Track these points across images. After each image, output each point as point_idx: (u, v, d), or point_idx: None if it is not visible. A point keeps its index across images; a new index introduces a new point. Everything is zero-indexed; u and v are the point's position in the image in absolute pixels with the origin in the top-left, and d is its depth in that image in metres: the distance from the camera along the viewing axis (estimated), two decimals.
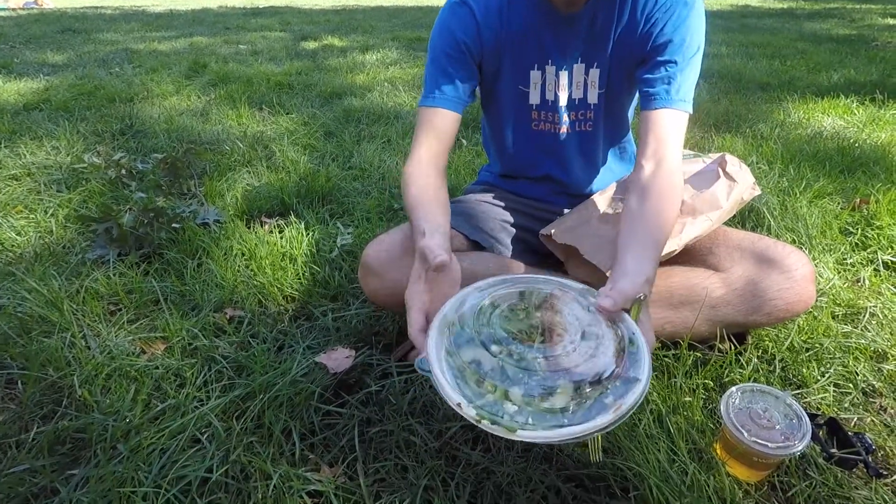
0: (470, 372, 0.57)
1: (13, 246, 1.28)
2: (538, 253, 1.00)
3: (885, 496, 0.66)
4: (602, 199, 0.95)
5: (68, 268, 1.19)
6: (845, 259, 1.18)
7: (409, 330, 0.66)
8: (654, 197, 0.77)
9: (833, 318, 0.99)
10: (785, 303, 0.80)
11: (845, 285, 1.09)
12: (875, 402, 0.82)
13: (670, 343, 0.88)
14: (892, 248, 1.19)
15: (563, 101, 0.93)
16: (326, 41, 4.31)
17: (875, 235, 1.23)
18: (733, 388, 0.72)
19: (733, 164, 0.92)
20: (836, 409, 0.81)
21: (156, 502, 0.67)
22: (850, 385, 0.84)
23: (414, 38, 4.39)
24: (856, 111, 2.25)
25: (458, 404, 0.53)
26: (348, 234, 1.30)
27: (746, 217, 1.34)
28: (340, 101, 2.53)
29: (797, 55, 3.58)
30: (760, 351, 0.90)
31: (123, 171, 1.61)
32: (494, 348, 0.59)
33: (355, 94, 2.63)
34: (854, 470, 0.70)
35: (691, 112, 0.84)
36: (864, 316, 0.99)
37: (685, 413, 0.78)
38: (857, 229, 1.27)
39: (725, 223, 0.94)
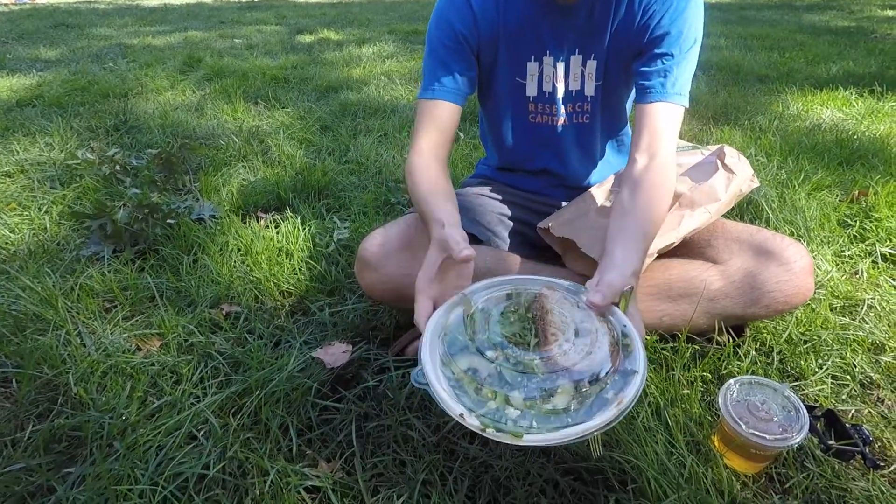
0: (467, 380, 0.56)
1: (7, 243, 1.27)
2: (535, 246, 0.99)
3: (882, 487, 0.66)
4: (600, 192, 0.94)
5: (63, 265, 1.18)
6: (843, 251, 1.18)
7: (416, 317, 0.65)
8: (646, 190, 0.78)
9: (831, 310, 0.99)
10: (783, 295, 0.80)
11: (843, 277, 1.08)
12: (872, 394, 0.82)
13: (668, 336, 0.88)
14: (891, 240, 1.19)
15: (560, 92, 0.92)
16: (322, 35, 4.28)
17: (873, 227, 1.23)
18: (731, 381, 0.72)
19: (732, 155, 0.92)
20: (833, 401, 0.81)
21: (153, 500, 0.67)
22: (848, 377, 0.84)
23: (411, 31, 4.36)
24: (854, 103, 2.24)
25: (461, 415, 0.53)
26: (345, 228, 1.29)
27: (745, 209, 1.34)
28: (337, 95, 2.51)
29: (796, 47, 3.57)
30: (758, 343, 0.90)
31: (118, 167, 1.59)
32: (490, 354, 0.58)
33: (352, 88, 2.61)
34: (851, 461, 0.70)
35: (687, 106, 0.84)
36: (861, 308, 0.99)
37: (683, 406, 0.78)
38: (856, 221, 1.26)
39: (724, 215, 0.93)
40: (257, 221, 1.36)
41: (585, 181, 1.03)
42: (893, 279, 1.08)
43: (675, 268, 0.86)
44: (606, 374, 0.56)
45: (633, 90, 0.97)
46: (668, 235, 0.85)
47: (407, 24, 4.75)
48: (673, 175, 0.81)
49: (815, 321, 0.94)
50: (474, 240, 0.97)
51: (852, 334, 0.91)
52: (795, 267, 0.80)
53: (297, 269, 1.15)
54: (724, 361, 0.85)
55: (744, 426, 0.66)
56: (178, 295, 1.09)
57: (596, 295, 0.63)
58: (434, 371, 0.57)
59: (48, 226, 1.35)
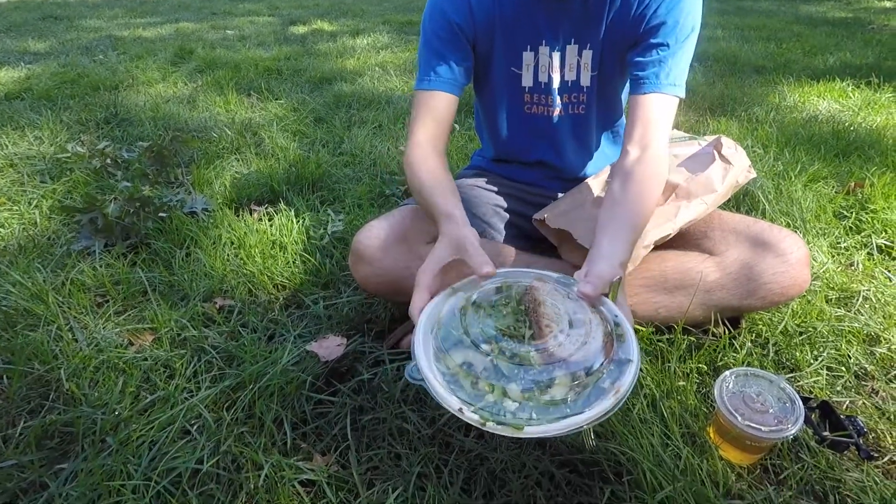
0: (463, 374, 0.56)
1: None
2: (531, 238, 0.99)
3: (876, 478, 0.67)
4: (596, 183, 0.94)
5: (53, 260, 1.17)
6: (839, 243, 1.18)
7: (412, 309, 0.64)
8: (636, 182, 0.77)
9: (826, 301, 0.99)
10: (780, 286, 0.80)
11: (839, 269, 1.08)
12: (867, 385, 0.83)
13: (664, 328, 0.88)
14: (886, 231, 1.19)
15: (556, 83, 0.91)
16: (316, 25, 4.23)
17: (869, 219, 1.23)
18: (727, 373, 0.72)
19: (729, 146, 0.91)
20: (828, 393, 0.81)
21: (146, 495, 0.66)
22: (843, 368, 0.84)
23: (405, 22, 4.31)
24: (851, 94, 2.24)
25: (460, 409, 0.52)
26: (339, 220, 1.28)
27: (741, 201, 1.34)
28: (330, 87, 2.49)
29: (793, 38, 3.56)
30: (754, 335, 0.90)
31: (108, 161, 1.57)
32: (485, 347, 0.58)
33: (346, 79, 2.59)
34: (845, 453, 0.70)
35: (682, 97, 0.83)
36: (857, 300, 0.99)
37: (679, 397, 0.78)
38: (852, 213, 1.26)
39: (720, 207, 0.93)
40: (250, 214, 1.34)
41: (581, 172, 1.03)
42: (888, 271, 1.08)
43: (671, 259, 0.86)
44: (602, 364, 0.56)
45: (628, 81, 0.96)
46: (665, 227, 0.84)
47: (401, 15, 4.70)
48: (665, 167, 0.81)
49: (811, 313, 0.94)
50: None
51: (847, 326, 0.91)
52: (792, 258, 0.80)
53: (291, 262, 1.14)
54: (719, 353, 0.85)
55: (739, 418, 0.66)
56: (171, 289, 1.08)
57: (587, 286, 0.63)
58: (428, 366, 0.57)
59: (38, 220, 1.34)
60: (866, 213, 1.25)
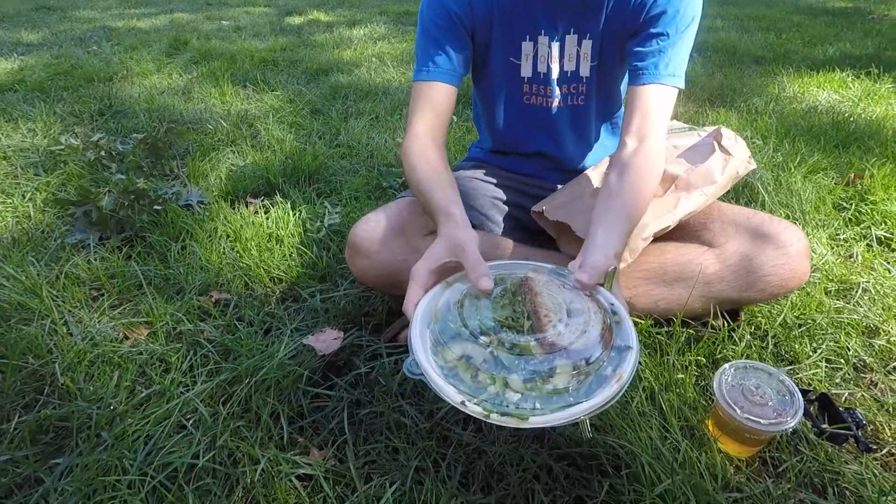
0: (462, 367, 0.55)
1: None
2: (529, 230, 0.98)
3: (875, 470, 0.67)
4: (595, 175, 0.93)
5: (47, 253, 1.16)
6: (838, 234, 1.17)
7: (406, 303, 0.63)
8: (632, 174, 0.77)
9: (826, 293, 0.98)
10: (779, 279, 0.79)
11: (838, 261, 1.08)
12: (866, 378, 0.82)
13: (663, 320, 0.88)
14: (886, 223, 1.19)
15: (555, 73, 0.90)
16: (312, 16, 4.18)
17: (868, 210, 1.22)
18: (726, 365, 0.71)
19: (729, 137, 0.90)
20: (827, 385, 0.81)
21: (142, 490, 0.66)
22: (842, 360, 0.84)
23: (402, 13, 4.27)
24: (851, 85, 2.22)
25: (462, 402, 0.52)
26: (336, 213, 1.27)
27: (741, 192, 1.33)
28: (327, 78, 2.46)
29: (792, 28, 3.53)
30: (753, 327, 0.90)
31: (102, 153, 1.55)
32: (483, 339, 0.57)
33: (342, 71, 2.56)
34: (844, 445, 0.70)
35: (682, 87, 0.82)
36: (856, 291, 0.99)
37: (677, 390, 0.77)
38: (851, 204, 1.26)
39: (720, 198, 0.92)
40: (246, 207, 1.33)
41: (580, 164, 1.02)
42: (888, 262, 1.07)
43: (670, 251, 0.85)
44: (602, 352, 0.56)
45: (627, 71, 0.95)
46: (664, 218, 0.83)
47: (398, 5, 4.65)
48: (661, 158, 0.81)
49: (810, 305, 0.94)
50: None
51: (846, 318, 0.91)
52: (792, 250, 0.79)
53: (288, 255, 1.13)
54: (718, 346, 0.85)
55: (738, 411, 0.65)
56: (167, 282, 1.07)
57: (582, 275, 0.64)
58: (427, 360, 0.56)
59: (32, 213, 1.32)
60: (866, 205, 1.24)
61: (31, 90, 2.30)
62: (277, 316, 0.97)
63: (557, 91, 0.92)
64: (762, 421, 0.64)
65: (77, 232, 1.21)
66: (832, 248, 1.13)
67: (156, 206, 1.26)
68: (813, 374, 0.82)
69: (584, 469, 0.69)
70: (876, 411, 0.76)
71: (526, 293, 0.63)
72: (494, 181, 1.01)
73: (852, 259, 1.10)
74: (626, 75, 0.96)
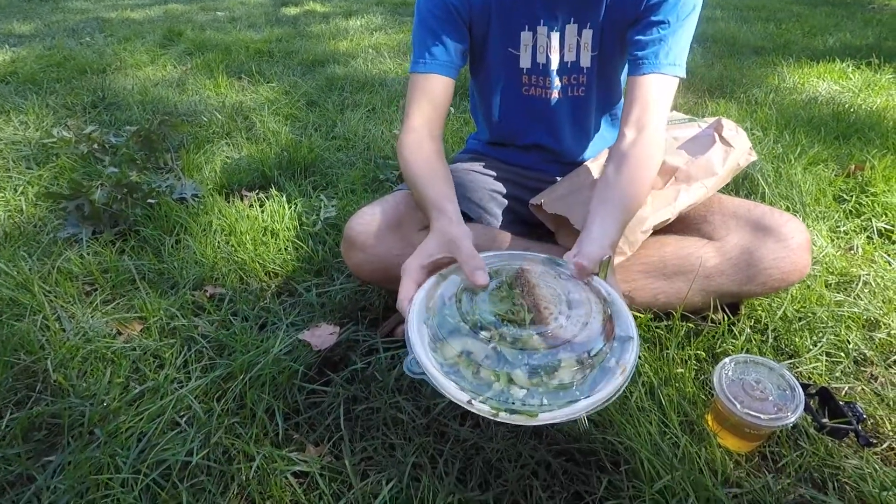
0: (464, 363, 0.54)
1: None
2: (528, 223, 0.97)
3: (876, 465, 0.66)
4: (594, 167, 0.91)
5: (40, 248, 1.14)
6: (839, 227, 1.16)
7: (400, 300, 0.62)
8: (630, 165, 0.76)
9: (826, 286, 0.97)
10: (780, 272, 0.78)
11: (838, 253, 1.07)
12: (866, 371, 0.82)
13: (663, 314, 0.87)
14: (887, 215, 1.18)
15: (554, 64, 0.88)
16: (308, 6, 4.13)
17: (869, 202, 1.21)
18: (726, 360, 0.70)
19: (729, 128, 0.89)
20: (827, 379, 0.80)
21: (135, 488, 0.65)
22: (842, 354, 0.83)
23: (399, 3, 4.22)
24: (851, 76, 2.20)
25: (469, 401, 0.50)
26: (332, 206, 1.26)
27: (740, 184, 1.32)
28: (323, 69, 2.43)
29: (792, 18, 3.50)
30: (753, 321, 0.89)
31: (95, 146, 1.53)
32: (484, 334, 0.56)
33: (338, 62, 2.53)
34: (844, 439, 0.70)
35: (683, 76, 0.81)
36: (856, 284, 0.98)
37: (677, 385, 0.77)
38: (852, 196, 1.25)
39: (720, 190, 0.91)
40: (241, 200, 1.32)
41: (580, 156, 1.00)
42: (888, 255, 1.06)
43: (670, 244, 0.84)
44: (605, 343, 0.55)
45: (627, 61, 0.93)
46: (664, 211, 0.82)
47: None
48: (660, 148, 0.80)
49: (810, 298, 0.93)
50: (465, 217, 0.94)
51: (847, 311, 0.90)
52: (793, 243, 0.78)
53: (283, 248, 1.12)
54: (718, 340, 0.84)
55: (738, 406, 0.65)
56: (161, 277, 1.06)
57: (582, 258, 0.63)
58: (428, 358, 0.54)
59: (24, 207, 1.30)
60: (866, 197, 1.23)
61: (22, 82, 2.27)
62: (273, 311, 0.96)
63: (557, 82, 0.90)
64: (762, 416, 0.63)
65: (69, 226, 1.19)
66: (832, 240, 1.12)
67: (149, 200, 1.24)
68: (813, 368, 0.81)
69: (582, 465, 0.68)
70: (876, 405, 0.75)
71: (523, 285, 0.62)
72: (492, 174, 0.99)
73: (853, 251, 1.09)
74: (627, 65, 0.94)
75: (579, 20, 0.84)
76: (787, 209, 1.21)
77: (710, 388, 0.75)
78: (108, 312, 0.96)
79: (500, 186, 0.98)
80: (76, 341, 0.87)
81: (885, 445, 0.70)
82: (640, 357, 0.79)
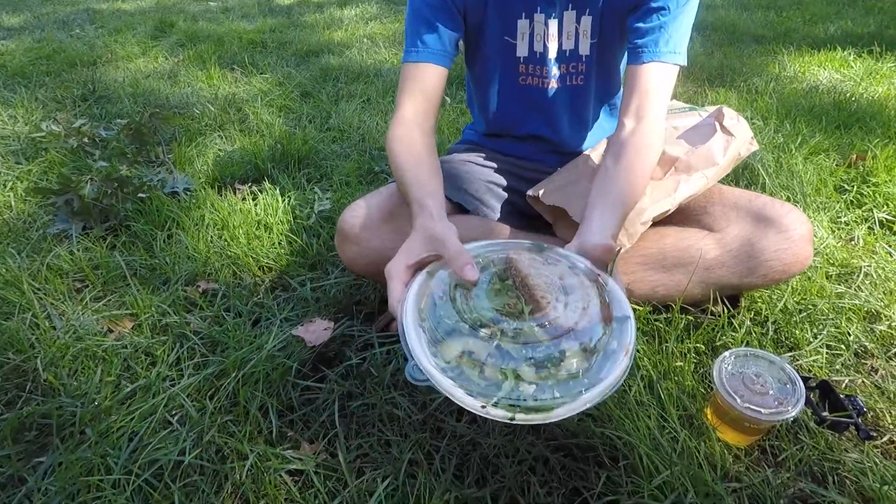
0: (467, 364, 0.52)
1: None
2: (526, 215, 0.95)
3: (876, 459, 0.65)
4: (593, 157, 0.90)
5: (29, 244, 1.13)
6: (839, 217, 1.15)
7: (391, 302, 0.60)
8: (629, 155, 0.75)
9: (827, 278, 0.96)
10: (781, 264, 0.77)
11: (839, 244, 1.06)
12: (867, 364, 0.81)
13: (662, 307, 0.86)
14: (888, 205, 1.16)
15: (552, 52, 0.86)
16: None
17: (871, 193, 1.20)
18: (726, 353, 0.69)
19: (731, 117, 0.87)
20: (827, 371, 0.79)
21: (127, 489, 0.64)
22: (843, 346, 0.83)
23: None
24: (853, 64, 2.18)
25: (483, 406, 0.48)
26: (326, 199, 1.24)
27: (740, 174, 1.30)
28: (317, 60, 2.40)
29: (793, 6, 3.46)
30: (753, 313, 0.88)
31: (85, 140, 1.51)
32: (484, 332, 0.54)
33: (333, 52, 2.50)
34: (845, 433, 0.69)
35: (684, 64, 0.79)
36: (857, 276, 0.97)
37: (676, 378, 0.76)
38: (853, 186, 1.23)
39: (720, 181, 0.89)
40: (234, 194, 1.30)
41: (578, 147, 0.98)
42: (890, 246, 1.05)
43: (669, 236, 0.83)
44: (605, 326, 0.55)
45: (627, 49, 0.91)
46: (664, 202, 0.81)
47: None
48: (659, 139, 0.78)
49: (811, 290, 0.92)
50: (461, 209, 0.93)
51: (848, 303, 0.89)
52: (795, 234, 0.77)
53: (277, 242, 1.10)
54: (718, 332, 0.83)
55: (739, 400, 0.64)
56: (153, 273, 1.04)
57: (595, 250, 0.63)
58: (431, 363, 0.52)
59: (13, 203, 1.28)
60: (868, 187, 1.22)
61: (11, 75, 2.23)
62: (266, 306, 0.94)
63: (555, 71, 0.88)
64: (763, 411, 0.62)
65: (59, 222, 1.18)
66: (833, 231, 1.10)
67: (140, 194, 1.22)
68: (813, 361, 0.80)
69: (580, 460, 0.67)
70: (877, 398, 0.75)
71: (515, 276, 0.60)
72: (489, 165, 0.98)
73: (854, 242, 1.08)
74: (626, 53, 0.92)
75: (578, 6, 0.82)
76: (788, 200, 1.19)
77: (710, 381, 0.74)
78: (98, 310, 0.94)
79: (497, 178, 0.96)
80: (66, 339, 0.86)
81: (885, 439, 0.69)
82: (638, 351, 0.79)
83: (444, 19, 0.82)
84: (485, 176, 0.96)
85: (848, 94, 1.82)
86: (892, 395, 0.75)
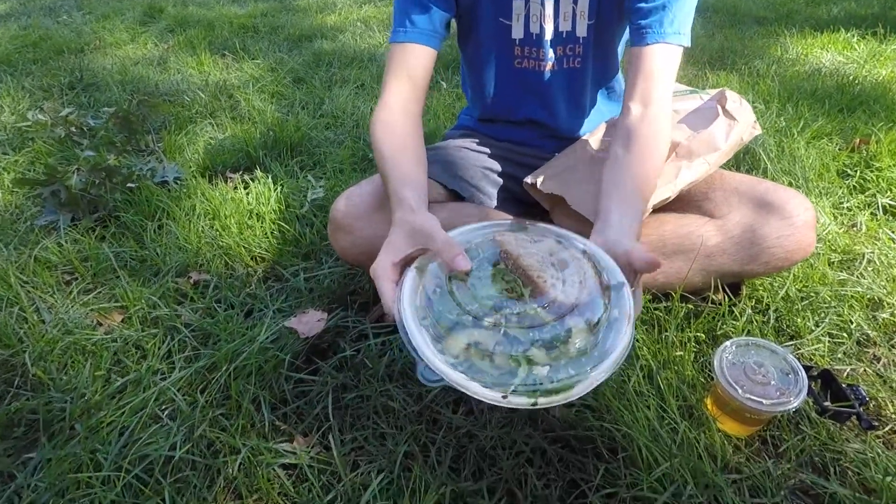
0: (476, 356, 0.50)
1: None
2: (523, 202, 0.93)
3: (878, 449, 0.64)
4: (591, 142, 0.87)
5: (16, 236, 1.10)
6: (842, 203, 1.13)
7: (385, 304, 0.57)
8: (640, 146, 0.72)
9: (829, 265, 0.95)
10: (784, 251, 0.75)
11: (842, 230, 1.04)
12: (869, 352, 0.80)
13: (661, 295, 0.84)
14: (892, 190, 1.14)
15: (549, 34, 0.83)
16: None
17: (874, 178, 1.18)
18: (727, 343, 0.68)
19: (733, 100, 0.84)
20: (829, 360, 0.78)
21: (117, 485, 0.63)
22: (845, 334, 0.81)
23: None
24: (856, 46, 2.14)
25: (503, 396, 0.47)
26: (320, 187, 1.21)
27: (741, 160, 1.28)
28: (310, 44, 2.35)
29: None
30: (754, 301, 0.86)
31: (73, 129, 1.47)
32: (488, 321, 0.52)
33: (326, 37, 2.45)
34: (847, 423, 0.68)
35: (688, 45, 0.76)
36: (860, 262, 0.95)
37: (676, 368, 0.74)
38: (856, 171, 1.21)
39: (722, 166, 0.87)
40: (226, 182, 1.27)
41: (576, 132, 0.96)
42: (893, 232, 1.04)
43: (669, 223, 0.81)
44: (604, 297, 0.54)
45: (627, 31, 0.88)
46: (664, 189, 0.79)
47: None
48: (667, 126, 0.76)
49: (813, 277, 0.90)
50: (457, 196, 0.91)
51: (850, 290, 0.88)
52: (798, 221, 0.75)
53: (270, 232, 1.08)
54: (718, 321, 0.82)
55: (740, 391, 0.62)
56: (143, 264, 1.02)
57: (641, 260, 0.57)
58: (443, 362, 0.50)
59: (0, 195, 1.26)
60: (871, 172, 1.20)
61: None
62: (259, 297, 0.93)
63: (550, 53, 0.85)
64: (764, 401, 0.61)
65: (47, 213, 1.15)
66: (835, 217, 1.09)
67: (129, 184, 1.19)
68: (815, 350, 0.79)
69: (578, 452, 0.66)
70: (879, 387, 0.73)
71: (507, 259, 0.59)
72: (485, 151, 0.95)
73: (856, 228, 1.06)
74: (624, 36, 0.89)
75: None
76: (790, 185, 1.17)
77: (710, 371, 0.73)
78: (88, 303, 0.92)
79: (493, 164, 0.94)
80: (55, 333, 0.85)
81: (887, 428, 0.68)
82: (637, 340, 0.77)
83: None
84: (480, 162, 0.94)
85: (851, 77, 1.78)
86: (894, 385, 0.74)
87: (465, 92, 1.02)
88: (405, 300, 0.55)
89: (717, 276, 0.80)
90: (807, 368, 0.68)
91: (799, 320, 0.83)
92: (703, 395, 0.71)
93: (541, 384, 0.48)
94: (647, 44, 0.75)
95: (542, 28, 0.83)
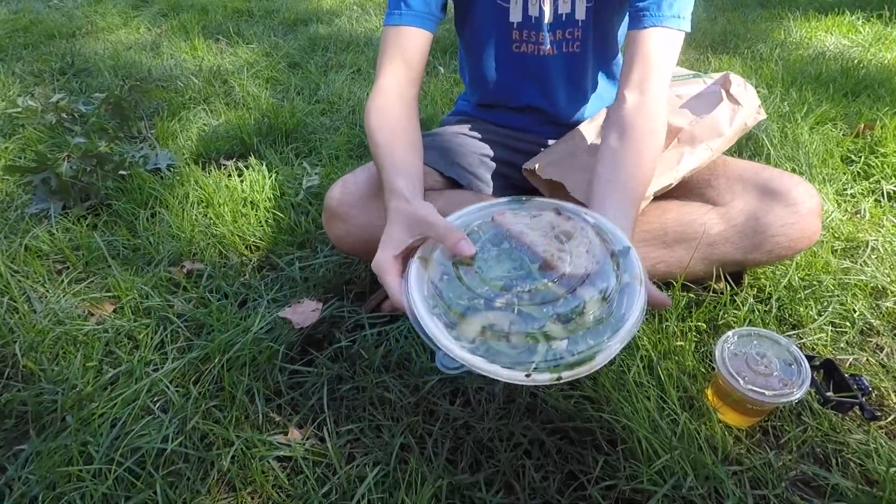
0: (492, 338, 0.50)
1: None
2: (521, 189, 0.91)
3: (881, 440, 0.63)
4: (591, 128, 0.85)
5: (7, 225, 1.08)
6: (846, 189, 1.11)
7: (392, 297, 0.56)
8: (636, 141, 0.70)
9: (832, 252, 0.93)
10: (788, 239, 0.74)
11: (845, 217, 1.02)
12: (872, 342, 0.79)
13: (662, 284, 0.83)
14: None
15: (547, 17, 0.81)
16: None
17: (879, 164, 1.16)
18: (729, 333, 0.67)
19: (738, 84, 0.82)
20: (832, 350, 0.77)
21: (109, 477, 0.62)
22: (848, 324, 0.80)
23: None
24: (861, 29, 2.10)
25: (527, 375, 0.47)
26: (315, 174, 1.19)
27: (744, 146, 1.26)
28: (306, 29, 2.30)
29: None
30: (756, 290, 0.85)
31: (64, 115, 1.44)
32: (500, 301, 0.51)
33: (322, 21, 2.40)
34: (849, 413, 0.67)
35: (688, 30, 0.73)
36: (863, 250, 0.94)
37: (676, 359, 0.73)
38: (860, 157, 1.19)
39: (725, 152, 0.85)
40: (219, 169, 1.25)
41: (576, 117, 0.93)
42: None
43: (671, 210, 0.79)
44: (612, 264, 0.54)
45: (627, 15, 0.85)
46: (666, 176, 0.77)
47: None
48: (664, 115, 0.73)
49: (816, 265, 0.89)
50: (454, 183, 0.89)
51: (853, 278, 0.86)
52: (803, 209, 0.73)
53: (264, 220, 1.06)
54: (720, 310, 0.81)
55: (742, 382, 0.61)
56: (135, 253, 1.00)
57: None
58: (461, 349, 0.49)
59: None
60: (876, 157, 1.18)
61: None
62: (253, 286, 0.91)
63: (549, 37, 0.83)
64: (766, 393, 0.60)
65: (38, 201, 1.13)
66: (839, 204, 1.07)
67: (121, 171, 1.17)
68: (818, 339, 0.78)
69: (577, 444, 0.65)
70: (882, 377, 0.72)
71: (509, 238, 0.57)
72: (482, 137, 0.93)
73: (860, 215, 1.05)
74: (625, 18, 0.87)
75: None
76: (793, 171, 1.15)
77: (711, 361, 0.72)
78: (79, 292, 0.91)
79: (489, 150, 0.92)
80: (46, 323, 0.83)
81: (890, 419, 0.67)
82: (639, 330, 0.76)
83: None
84: (477, 149, 0.92)
85: (856, 61, 1.75)
86: None
87: (463, 77, 1.00)
88: (413, 291, 0.53)
89: (720, 264, 0.79)
90: (809, 358, 0.67)
91: (801, 309, 0.82)
92: (704, 386, 0.70)
93: (562, 358, 0.48)
94: (645, 27, 0.72)
95: (540, 11, 0.80)
